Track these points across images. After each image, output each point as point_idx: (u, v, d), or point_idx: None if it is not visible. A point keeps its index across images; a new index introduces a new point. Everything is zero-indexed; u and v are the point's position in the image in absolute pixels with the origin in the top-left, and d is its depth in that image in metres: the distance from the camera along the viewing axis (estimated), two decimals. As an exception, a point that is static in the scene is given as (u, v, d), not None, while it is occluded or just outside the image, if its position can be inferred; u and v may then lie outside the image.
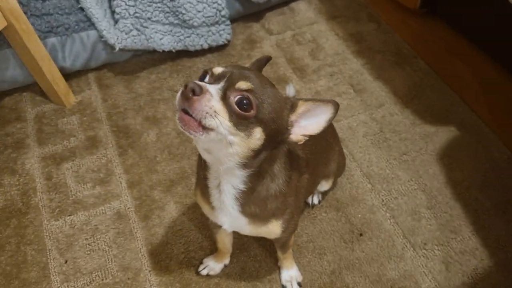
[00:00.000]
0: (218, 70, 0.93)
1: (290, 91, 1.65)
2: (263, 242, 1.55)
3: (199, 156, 1.13)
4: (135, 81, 2.09)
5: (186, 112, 0.84)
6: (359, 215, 1.63)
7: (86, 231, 1.61)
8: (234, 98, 0.87)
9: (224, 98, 0.86)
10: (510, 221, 1.61)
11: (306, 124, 0.97)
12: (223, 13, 2.08)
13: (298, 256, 1.53)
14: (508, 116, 1.89)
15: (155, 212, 1.65)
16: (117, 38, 1.92)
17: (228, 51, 2.21)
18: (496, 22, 1.98)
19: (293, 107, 0.96)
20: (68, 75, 2.04)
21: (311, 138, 0.99)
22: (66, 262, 1.54)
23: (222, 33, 2.13)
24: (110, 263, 1.53)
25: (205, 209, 1.21)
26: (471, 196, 1.68)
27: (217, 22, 2.10)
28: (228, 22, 2.14)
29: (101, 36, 1.96)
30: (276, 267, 1.51)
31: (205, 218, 1.58)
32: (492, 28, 2.02)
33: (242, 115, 0.87)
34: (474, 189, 1.70)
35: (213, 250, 1.54)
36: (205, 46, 2.13)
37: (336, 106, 0.94)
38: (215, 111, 0.84)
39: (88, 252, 1.56)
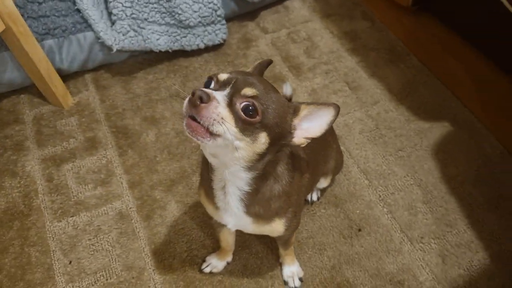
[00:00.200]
0: (223, 76, 0.95)
1: (287, 89, 1.67)
2: (264, 239, 1.58)
3: (203, 158, 1.16)
4: (133, 82, 2.11)
5: (193, 118, 0.87)
6: (357, 211, 1.67)
7: (89, 231, 1.63)
8: (240, 104, 0.89)
9: (230, 104, 0.89)
10: (503, 215, 1.66)
11: (309, 127, 1.00)
12: (218, 12, 2.10)
13: (299, 252, 1.57)
14: (500, 112, 1.93)
15: (157, 211, 1.68)
16: (115, 40, 1.93)
17: (224, 51, 2.23)
18: (488, 20, 2.01)
19: (295, 111, 0.99)
20: (65, 77, 2.05)
21: (312, 138, 1.02)
22: (70, 262, 1.56)
23: (218, 33, 2.15)
24: (114, 262, 1.55)
25: (209, 209, 1.23)
26: (465, 191, 1.72)
27: (213, 22, 2.12)
28: (223, 21, 2.16)
29: (98, 38, 1.97)
30: (277, 263, 1.54)
31: (207, 217, 1.62)
32: (484, 25, 2.05)
33: (247, 121, 0.90)
34: (468, 184, 1.74)
35: (215, 248, 1.57)
36: (201, 45, 2.15)
37: (337, 109, 0.98)
38: (222, 118, 0.87)
39: (92, 253, 1.58)
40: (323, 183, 1.60)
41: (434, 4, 2.26)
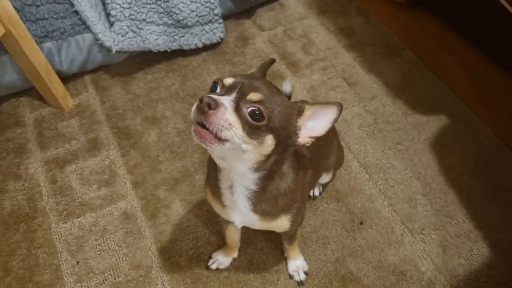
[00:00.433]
0: (228, 81, 0.97)
1: (286, 87, 1.70)
2: (269, 235, 1.61)
3: (210, 158, 1.19)
4: (132, 82, 2.12)
5: (201, 124, 0.90)
6: (359, 205, 1.70)
7: (95, 232, 1.65)
8: (246, 109, 0.92)
9: (237, 109, 0.92)
10: (500, 205, 1.70)
11: (313, 127, 1.03)
12: (216, 11, 2.12)
13: (303, 247, 1.60)
14: (495, 105, 1.97)
15: (162, 210, 1.70)
16: (114, 41, 1.94)
17: (221, 49, 2.25)
18: (482, 14, 2.06)
19: (300, 112, 1.02)
20: (65, 79, 2.06)
21: (316, 137, 1.05)
22: (77, 263, 1.58)
23: (215, 32, 2.17)
24: (121, 262, 1.58)
25: (216, 207, 1.26)
26: (463, 182, 1.76)
27: (210, 21, 2.14)
28: (221, 20, 2.17)
29: (97, 39, 1.98)
30: (282, 258, 1.57)
31: (212, 214, 1.65)
32: (478, 20, 2.09)
33: (254, 125, 0.92)
34: (466, 175, 1.78)
35: (221, 244, 1.59)
36: (199, 45, 2.16)
37: (340, 108, 1.01)
38: (230, 124, 0.90)
39: (99, 253, 1.60)
40: (325, 178, 1.63)
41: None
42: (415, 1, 2.34)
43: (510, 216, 1.66)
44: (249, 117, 0.92)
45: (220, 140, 0.90)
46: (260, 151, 0.97)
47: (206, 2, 2.07)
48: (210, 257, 1.57)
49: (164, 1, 2.01)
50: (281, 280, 1.53)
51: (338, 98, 2.01)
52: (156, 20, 2.04)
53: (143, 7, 1.99)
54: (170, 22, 2.07)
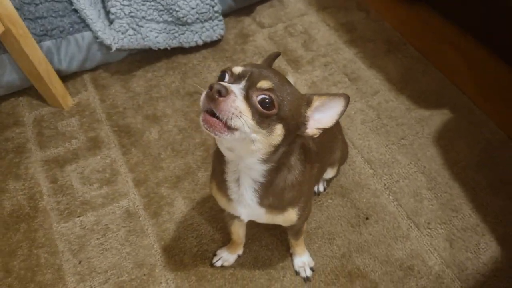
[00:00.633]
0: (237, 69, 0.96)
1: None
2: (274, 231, 1.59)
3: (215, 151, 1.17)
4: (132, 80, 2.10)
5: (210, 113, 0.88)
6: (364, 200, 1.69)
7: (97, 231, 1.63)
8: (256, 97, 0.90)
9: (247, 97, 0.90)
10: (505, 198, 1.69)
11: (320, 118, 1.02)
12: (216, 8, 2.10)
13: (309, 243, 1.58)
14: (499, 98, 1.96)
15: (164, 208, 1.68)
16: (114, 39, 1.92)
17: (222, 46, 2.24)
18: (482, 8, 2.04)
19: (308, 102, 1.00)
20: (64, 78, 2.03)
21: (324, 129, 1.03)
22: (80, 262, 1.55)
23: (215, 29, 2.15)
24: (124, 261, 1.55)
25: (222, 201, 1.24)
26: (468, 176, 1.75)
27: (210, 18, 2.12)
28: (221, 17, 2.16)
29: (96, 37, 1.96)
30: (288, 254, 1.55)
31: (215, 211, 1.64)
32: (479, 13, 2.08)
33: (264, 114, 0.91)
34: (470, 169, 1.77)
35: (225, 241, 1.57)
36: (200, 42, 2.15)
37: (347, 99, 1.00)
38: (240, 112, 0.88)
39: (101, 252, 1.58)
40: (329, 173, 1.61)
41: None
42: (415, -4, 2.33)
43: (517, 209, 1.65)
44: (259, 106, 0.90)
45: (230, 129, 0.89)
46: (270, 141, 0.95)
47: (206, -1, 2.06)
48: (214, 255, 1.55)
49: (164, -2, 1.99)
50: (287, 276, 1.51)
51: (340, 94, 2.00)
52: (156, 18, 2.03)
53: (143, 5, 1.98)
54: (170, 19, 2.05)
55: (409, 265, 1.53)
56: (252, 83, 0.92)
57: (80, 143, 1.88)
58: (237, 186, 1.13)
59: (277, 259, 1.55)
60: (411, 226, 1.62)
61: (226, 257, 1.53)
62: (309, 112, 1.01)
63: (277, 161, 1.05)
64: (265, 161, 1.02)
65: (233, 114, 0.88)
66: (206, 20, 2.12)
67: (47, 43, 1.90)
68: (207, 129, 0.90)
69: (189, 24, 2.09)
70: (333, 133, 1.50)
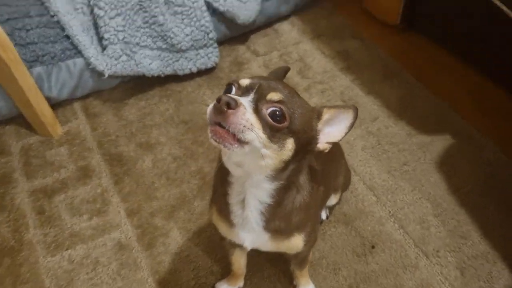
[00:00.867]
0: (245, 82, 0.91)
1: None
2: (276, 261, 1.50)
3: (218, 172, 1.11)
4: (124, 108, 2.04)
5: (218, 126, 0.83)
6: (369, 228, 1.61)
7: (87, 265, 1.52)
8: (266, 110, 0.86)
9: (256, 110, 0.85)
10: (514, 223, 1.63)
11: (330, 131, 0.98)
12: (211, 35, 2.08)
13: (313, 273, 1.49)
14: (499, 121, 1.94)
15: (159, 239, 1.58)
16: (106, 65, 1.88)
17: (216, 74, 2.20)
18: (473, 34, 2.07)
19: (318, 115, 0.96)
20: (53, 106, 1.96)
21: (321, 152, 0.98)
22: (68, 299, 1.44)
23: (210, 56, 2.12)
24: (116, 296, 1.45)
25: (223, 227, 1.16)
26: (474, 201, 1.69)
27: (205, 45, 2.09)
28: (215, 44, 2.13)
29: (88, 64, 1.91)
30: (291, 286, 1.46)
31: (213, 242, 1.56)
32: (471, 40, 2.11)
33: (275, 127, 0.86)
34: (476, 194, 1.71)
35: (224, 273, 1.48)
36: (194, 69, 2.11)
37: (356, 111, 0.96)
38: (251, 124, 0.83)
39: (91, 287, 1.47)
40: (332, 200, 1.54)
41: (419, 22, 2.31)
42: (407, 24, 2.34)
43: (527, 235, 1.59)
44: (269, 118, 0.85)
45: (240, 142, 0.83)
46: (280, 156, 0.89)
47: (201, 26, 2.04)
48: (213, 288, 1.46)
49: (159, 25, 1.96)
50: (291, 310, 1.42)
51: (339, 120, 1.96)
52: (150, 44, 1.99)
53: (137, 31, 1.94)
54: (164, 46, 2.02)
55: (420, 295, 1.44)
56: (261, 95, 0.87)
57: (70, 172, 1.80)
58: (241, 209, 1.06)
59: (280, 291, 1.46)
60: (419, 255, 1.54)
61: (226, 290, 1.44)
62: (319, 126, 0.96)
63: (286, 179, 0.99)
64: (274, 178, 0.96)
65: (244, 126, 0.82)
66: (200, 47, 2.09)
67: (38, 69, 1.84)
68: (216, 140, 0.84)
69: (183, 51, 2.05)
70: (336, 157, 1.45)
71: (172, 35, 1.99)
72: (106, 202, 1.70)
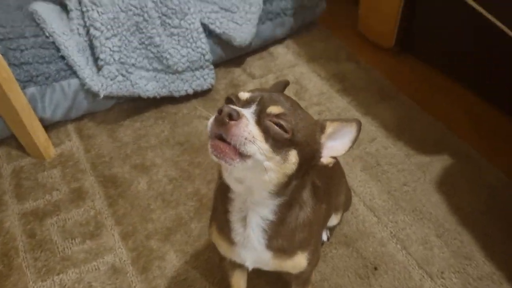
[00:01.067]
0: (244, 95, 0.90)
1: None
2: (276, 284, 1.44)
3: (218, 188, 1.08)
4: (119, 130, 2.00)
5: (219, 139, 0.81)
6: (370, 249, 1.57)
7: (79, 290, 1.46)
8: (269, 122, 0.84)
9: (259, 122, 0.83)
10: (517, 243, 1.60)
11: (333, 145, 0.97)
12: (207, 57, 2.07)
13: (315, 297, 1.44)
14: (496, 141, 1.94)
15: (155, 262, 1.53)
16: (102, 85, 1.85)
17: (212, 96, 2.18)
18: (467, 56, 2.09)
19: (322, 128, 0.95)
20: (46, 127, 1.92)
21: (324, 168, 0.97)
22: (58, 326, 1.37)
23: (206, 78, 2.11)
24: (109, 323, 1.38)
25: (223, 246, 1.12)
26: (476, 221, 1.66)
27: (201, 67, 2.08)
28: (211, 66, 2.12)
29: (83, 84, 1.88)
30: (293, 310, 1.40)
31: (211, 264, 1.50)
32: (463, 60, 2.13)
33: (278, 139, 0.84)
34: (478, 214, 1.69)
35: (223, 298, 1.42)
36: (190, 91, 2.09)
37: (359, 125, 0.95)
38: (253, 136, 0.80)
39: (83, 313, 1.40)
40: (333, 220, 1.50)
41: (415, 45, 2.33)
42: (402, 47, 2.36)
43: (531, 255, 1.56)
44: (272, 130, 0.84)
45: (242, 156, 0.81)
46: (284, 170, 0.87)
47: (197, 48, 2.03)
48: (211, 313, 1.39)
49: (155, 46, 1.96)
50: (293, 335, 1.35)
51: (337, 141, 1.94)
52: (145, 65, 1.98)
53: (133, 52, 1.93)
54: (160, 67, 2.01)
55: (426, 318, 1.39)
56: (263, 108, 0.85)
57: (62, 194, 1.75)
58: (242, 227, 1.03)
59: (281, 316, 1.40)
60: (423, 276, 1.50)
61: (224, 315, 1.38)
62: (323, 139, 0.94)
63: (290, 195, 0.96)
64: (277, 194, 0.94)
65: (246, 139, 0.80)
66: (196, 69, 2.08)
67: (32, 89, 1.81)
68: (216, 156, 0.82)
69: (179, 72, 2.04)
70: (337, 175, 1.42)
71: (168, 56, 1.98)
72: (100, 224, 1.64)
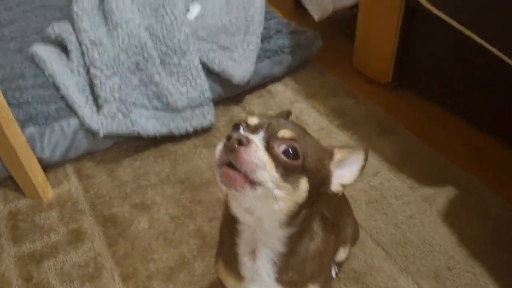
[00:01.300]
0: (253, 120, 0.89)
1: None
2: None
3: (224, 221, 1.05)
4: (119, 169, 1.97)
5: (229, 166, 0.79)
6: (381, 284, 1.52)
7: (77, 335, 1.39)
8: (278, 147, 0.82)
9: (268, 148, 0.82)
10: (532, 274, 1.55)
11: (341, 173, 0.95)
12: (206, 94, 2.08)
13: (326, 336, 1.37)
14: (500, 171, 1.92)
15: (157, 304, 1.46)
16: (102, 124, 1.84)
17: (212, 134, 2.17)
18: (465, 91, 2.11)
19: (330, 155, 0.93)
20: (44, 168, 1.89)
21: (331, 199, 0.99)
22: None
23: (206, 115, 2.11)
24: None
25: (231, 281, 1.08)
26: (486, 252, 1.62)
27: (201, 104, 2.08)
28: (211, 104, 2.12)
29: (82, 124, 1.87)
30: None
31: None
32: (459, 95, 2.15)
33: (289, 165, 0.82)
34: (487, 245, 1.65)
35: None
36: (190, 129, 2.08)
37: (366, 153, 0.94)
38: (264, 163, 0.78)
39: None
40: (341, 254, 1.45)
41: (411, 80, 2.36)
42: (399, 82, 2.39)
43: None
44: (282, 156, 0.81)
45: (252, 183, 0.78)
46: (294, 198, 0.85)
47: (197, 85, 2.04)
48: None
49: (155, 84, 1.96)
50: None
51: (340, 175, 1.92)
52: (146, 104, 1.98)
53: (133, 90, 1.94)
54: (160, 106, 2.00)
55: None
56: (272, 133, 0.84)
57: (60, 236, 1.70)
58: (251, 260, 0.99)
59: None
60: (438, 311, 1.44)
61: None
62: (332, 166, 0.92)
63: (300, 226, 0.93)
64: (288, 224, 0.91)
65: (257, 165, 0.78)
66: (196, 107, 2.07)
67: (30, 129, 1.80)
68: (226, 184, 0.80)
69: (179, 110, 2.03)
70: (343, 205, 1.40)
71: (167, 94, 1.98)
72: (99, 266, 1.59)
